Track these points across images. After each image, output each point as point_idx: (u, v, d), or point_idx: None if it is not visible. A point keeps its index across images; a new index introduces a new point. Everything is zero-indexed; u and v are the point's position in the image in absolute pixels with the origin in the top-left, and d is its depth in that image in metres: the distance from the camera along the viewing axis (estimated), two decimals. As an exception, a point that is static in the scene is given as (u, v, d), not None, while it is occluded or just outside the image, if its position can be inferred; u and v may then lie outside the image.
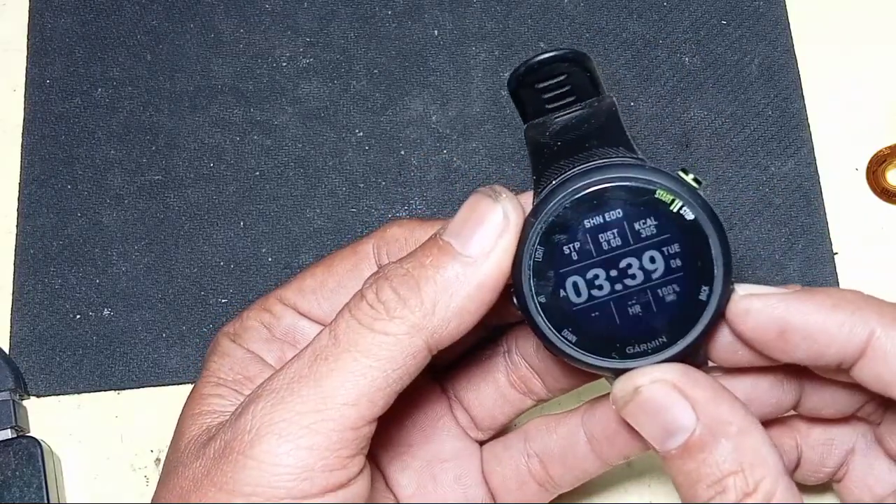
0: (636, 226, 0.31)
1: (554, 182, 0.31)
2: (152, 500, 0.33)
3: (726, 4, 0.51)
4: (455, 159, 0.49)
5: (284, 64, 0.51)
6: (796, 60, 0.50)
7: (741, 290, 0.31)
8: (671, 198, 0.30)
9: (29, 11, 0.53)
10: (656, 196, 0.30)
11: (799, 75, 0.49)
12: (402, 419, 0.36)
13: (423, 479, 0.37)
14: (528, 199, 0.33)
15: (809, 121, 0.49)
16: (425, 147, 0.49)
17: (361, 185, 0.49)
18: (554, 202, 0.31)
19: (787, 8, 0.50)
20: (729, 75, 0.49)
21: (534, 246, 0.31)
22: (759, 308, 0.31)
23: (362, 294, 0.31)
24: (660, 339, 0.31)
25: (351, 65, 0.51)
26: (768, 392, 0.34)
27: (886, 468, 0.36)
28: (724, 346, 0.32)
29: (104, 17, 0.52)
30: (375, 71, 0.51)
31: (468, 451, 0.37)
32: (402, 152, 0.49)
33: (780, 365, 0.34)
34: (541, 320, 0.31)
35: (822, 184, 0.48)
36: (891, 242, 0.47)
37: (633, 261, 0.31)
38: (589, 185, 0.31)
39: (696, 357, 0.32)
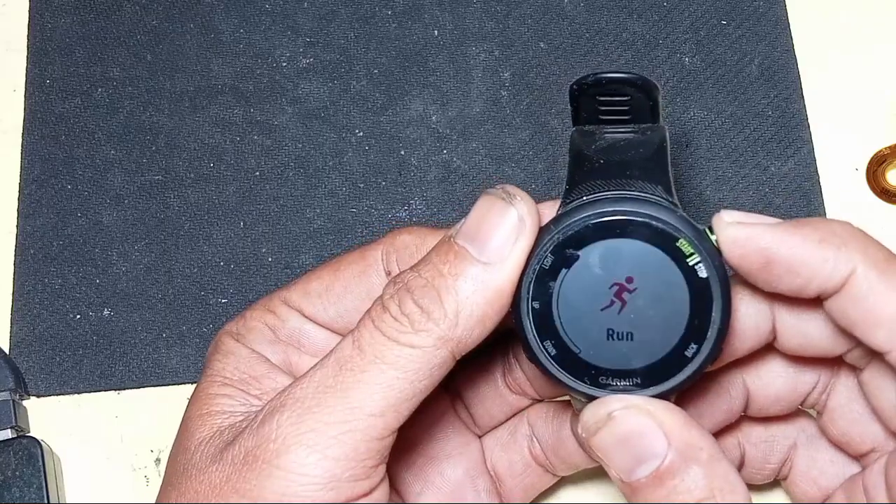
0: (649, 266, 0.31)
1: (585, 198, 0.31)
2: (158, 499, 0.33)
3: (726, 4, 0.51)
4: (455, 159, 0.49)
5: (284, 64, 0.51)
6: (796, 60, 0.50)
7: (727, 216, 0.31)
8: (691, 251, 0.30)
9: (29, 11, 0.53)
10: (677, 244, 0.30)
11: (799, 75, 0.49)
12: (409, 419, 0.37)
13: (429, 474, 0.37)
14: (545, 209, 0.33)
15: (809, 121, 0.49)
16: (425, 147, 0.49)
17: (361, 185, 0.49)
18: (579, 217, 0.31)
19: (787, 8, 0.50)
20: (729, 75, 0.49)
21: (545, 252, 0.31)
22: (745, 236, 0.30)
23: (384, 306, 0.31)
24: (634, 380, 0.31)
25: (351, 65, 0.51)
26: (717, 401, 0.35)
27: (828, 460, 0.36)
28: None
29: (104, 17, 0.52)
30: (375, 71, 0.51)
31: (471, 445, 0.38)
32: (402, 152, 0.49)
33: (720, 371, 0.34)
34: (528, 324, 0.31)
35: (822, 184, 0.48)
36: (891, 242, 0.46)
37: (635, 299, 0.31)
38: (618, 213, 0.31)
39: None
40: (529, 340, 0.31)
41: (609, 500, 0.43)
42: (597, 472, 0.41)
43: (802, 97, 0.49)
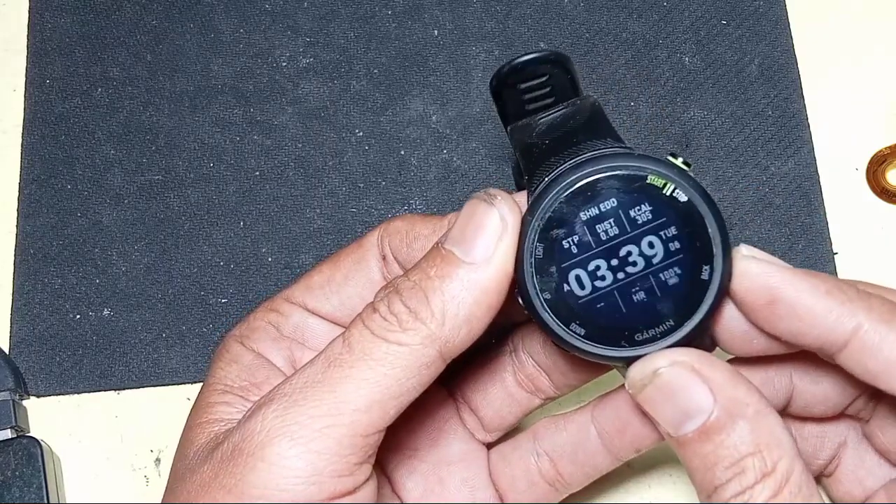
0: (632, 213, 0.31)
1: (546, 178, 0.32)
2: None
3: (726, 4, 0.51)
4: (455, 159, 0.49)
5: (284, 64, 0.51)
6: (796, 60, 0.50)
7: (745, 250, 0.31)
8: (663, 182, 0.31)
9: (29, 11, 0.53)
10: (648, 181, 0.31)
11: (799, 75, 0.49)
12: (409, 423, 0.37)
13: (430, 482, 0.37)
14: (523, 199, 0.33)
15: (809, 121, 0.49)
16: (425, 147, 0.49)
17: (361, 185, 0.49)
18: (548, 198, 0.31)
19: (787, 8, 0.50)
20: (729, 75, 0.49)
21: (533, 243, 0.31)
22: (755, 272, 0.31)
23: (374, 307, 0.31)
24: (667, 323, 0.31)
25: (351, 65, 0.51)
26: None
27: (876, 462, 0.36)
28: (738, 335, 0.33)
29: (104, 17, 0.52)
30: (375, 71, 0.51)
31: (475, 453, 0.38)
32: (402, 152, 0.49)
33: (771, 363, 0.34)
34: (548, 317, 0.31)
35: (822, 184, 0.48)
36: (891, 242, 0.47)
37: (633, 248, 0.31)
38: (581, 178, 0.31)
39: (703, 339, 0.32)
40: (556, 331, 0.31)
41: None
42: (595, 487, 0.41)
43: (802, 97, 0.49)
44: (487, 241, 0.31)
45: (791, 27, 0.50)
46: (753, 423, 0.30)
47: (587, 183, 0.31)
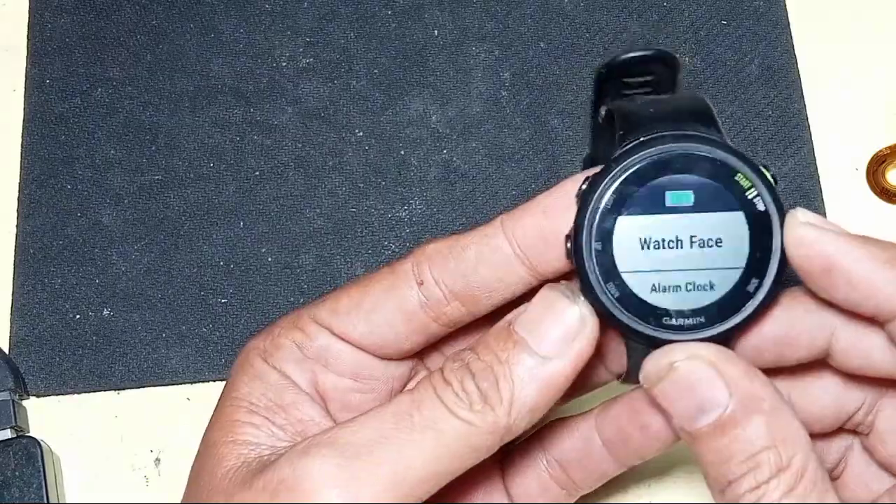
0: (710, 200, 0.31)
1: (642, 138, 0.31)
2: None
3: (726, 4, 0.51)
4: (455, 159, 0.49)
5: (284, 64, 0.51)
6: (796, 60, 0.50)
7: (801, 216, 0.31)
8: (749, 184, 0.31)
9: (29, 11, 0.53)
10: (736, 178, 0.31)
11: (799, 75, 0.49)
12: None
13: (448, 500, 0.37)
14: (560, 193, 0.32)
15: (809, 121, 0.49)
16: (425, 147, 0.49)
17: (361, 185, 0.49)
18: (639, 154, 0.31)
19: (787, 8, 0.50)
20: (729, 75, 0.49)
21: (607, 190, 0.31)
22: (812, 239, 0.30)
23: (445, 379, 0.31)
24: (698, 319, 0.31)
25: (351, 65, 0.51)
26: None
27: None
28: (748, 350, 0.32)
29: (104, 17, 0.52)
30: (375, 71, 0.51)
31: (490, 467, 0.37)
32: (402, 152, 0.49)
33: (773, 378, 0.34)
34: (591, 266, 0.31)
35: (822, 184, 0.48)
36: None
37: (696, 234, 0.31)
38: (677, 148, 0.31)
39: (726, 345, 0.32)
40: (593, 284, 0.31)
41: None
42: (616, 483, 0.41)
43: (802, 97, 0.49)
44: (563, 337, 0.31)
45: (791, 27, 0.50)
46: (769, 417, 0.30)
47: (681, 154, 0.31)
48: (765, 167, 0.31)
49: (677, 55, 0.34)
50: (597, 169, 0.31)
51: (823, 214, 0.47)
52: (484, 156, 0.49)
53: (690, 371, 0.30)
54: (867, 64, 0.49)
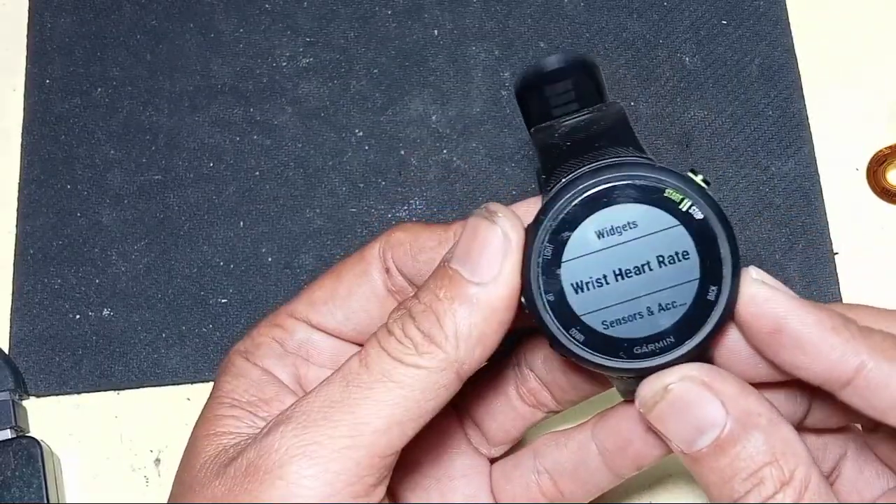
0: (647, 223, 0.31)
1: (563, 180, 0.31)
2: None
3: (726, 4, 0.51)
4: (455, 159, 0.49)
5: (284, 64, 0.51)
6: (796, 60, 0.50)
7: (755, 273, 0.31)
8: (681, 197, 0.30)
9: (29, 11, 0.53)
10: (665, 195, 0.30)
11: (799, 75, 0.49)
12: (413, 438, 0.37)
13: (432, 497, 0.37)
14: (525, 206, 0.33)
15: (809, 121, 0.49)
16: (425, 147, 0.49)
17: (361, 185, 0.49)
18: (563, 199, 0.31)
19: (787, 8, 0.50)
20: (729, 75, 0.49)
21: (543, 244, 0.31)
22: (763, 298, 0.31)
23: (389, 329, 0.31)
24: (667, 340, 0.31)
25: (351, 65, 0.51)
26: (783, 405, 0.34)
27: (875, 473, 0.36)
28: (744, 359, 0.32)
29: (104, 17, 0.52)
30: (375, 71, 0.51)
31: (478, 468, 0.37)
32: (402, 152, 0.49)
33: (793, 379, 0.34)
34: (549, 318, 0.31)
35: (822, 184, 0.48)
36: (891, 242, 0.47)
37: (642, 260, 0.31)
38: (598, 183, 0.31)
39: (703, 359, 0.32)
40: (556, 334, 0.31)
41: None
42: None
43: (802, 97, 0.49)
44: (492, 259, 0.31)
45: (791, 27, 0.50)
46: (767, 432, 0.30)
47: (604, 189, 0.31)
48: (692, 172, 0.31)
49: (594, 61, 0.34)
50: (529, 220, 0.31)
51: (824, 214, 0.47)
52: (484, 156, 0.49)
53: (685, 392, 0.30)
54: (867, 64, 0.49)
